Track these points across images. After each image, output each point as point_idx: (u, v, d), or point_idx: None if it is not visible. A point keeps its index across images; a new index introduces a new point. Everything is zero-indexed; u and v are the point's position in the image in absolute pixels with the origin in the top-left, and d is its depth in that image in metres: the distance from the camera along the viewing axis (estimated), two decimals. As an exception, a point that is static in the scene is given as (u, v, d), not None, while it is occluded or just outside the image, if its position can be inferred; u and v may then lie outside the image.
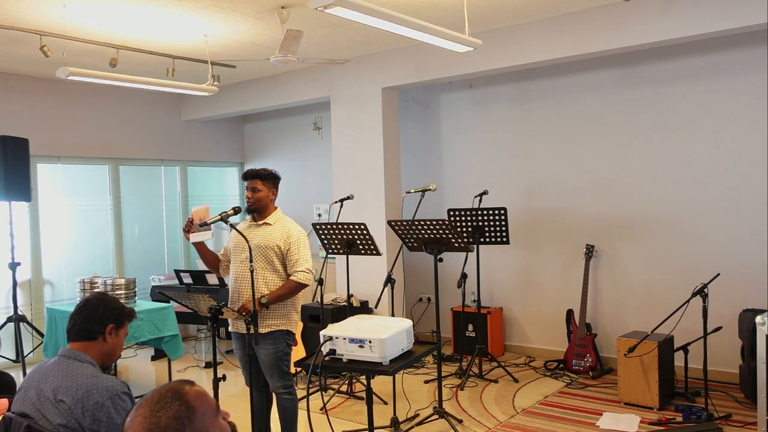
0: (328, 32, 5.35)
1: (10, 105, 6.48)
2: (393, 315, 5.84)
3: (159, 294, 6.06)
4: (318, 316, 5.76)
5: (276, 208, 3.88)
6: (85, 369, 2.24)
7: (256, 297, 3.54)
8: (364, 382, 3.86)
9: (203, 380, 5.68)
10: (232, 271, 3.83)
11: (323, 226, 5.09)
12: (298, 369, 4.73)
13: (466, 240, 5.35)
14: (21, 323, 5.79)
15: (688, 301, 4.24)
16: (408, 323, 3.31)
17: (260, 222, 3.81)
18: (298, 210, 7.22)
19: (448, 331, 6.40)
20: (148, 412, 1.40)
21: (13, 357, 6.03)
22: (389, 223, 4.68)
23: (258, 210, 3.81)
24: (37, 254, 6.67)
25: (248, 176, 3.80)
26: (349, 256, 5.17)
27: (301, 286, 3.71)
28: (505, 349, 6.41)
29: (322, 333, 3.21)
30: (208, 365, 6.19)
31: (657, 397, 4.57)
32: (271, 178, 3.83)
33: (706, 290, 4.13)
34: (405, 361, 3.22)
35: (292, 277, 3.70)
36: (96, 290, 5.30)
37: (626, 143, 5.64)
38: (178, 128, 7.98)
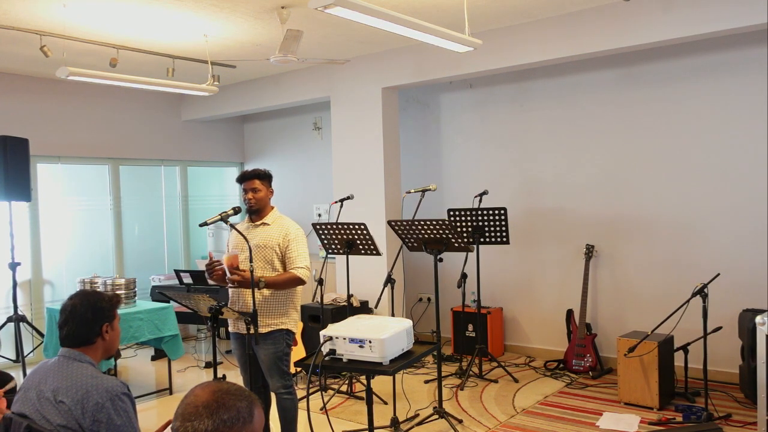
0: (328, 32, 5.35)
1: (10, 105, 6.48)
2: (393, 315, 5.83)
3: (159, 294, 6.06)
4: (318, 316, 5.76)
5: (273, 207, 3.88)
6: (85, 369, 2.24)
7: (254, 292, 3.53)
8: (364, 382, 3.86)
9: (203, 380, 5.67)
10: (231, 270, 3.83)
11: (323, 226, 5.09)
12: (298, 369, 4.73)
13: (466, 240, 5.35)
14: (21, 323, 5.79)
15: (688, 301, 4.24)
16: (408, 323, 3.31)
17: (258, 222, 3.81)
18: (298, 210, 7.22)
19: (448, 331, 6.40)
20: (216, 388, 1.50)
21: (13, 357, 6.04)
22: (389, 223, 4.68)
23: (258, 210, 3.81)
24: (37, 254, 6.68)
25: (247, 177, 3.78)
26: (349, 256, 5.17)
27: (300, 281, 3.70)
28: (505, 349, 6.41)
29: (322, 333, 3.21)
30: (208, 365, 6.18)
31: (657, 397, 4.57)
32: (268, 177, 3.84)
33: (706, 290, 4.12)
34: (405, 361, 3.22)
35: (291, 271, 3.70)
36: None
37: (626, 143, 5.64)
38: (178, 128, 7.98)
